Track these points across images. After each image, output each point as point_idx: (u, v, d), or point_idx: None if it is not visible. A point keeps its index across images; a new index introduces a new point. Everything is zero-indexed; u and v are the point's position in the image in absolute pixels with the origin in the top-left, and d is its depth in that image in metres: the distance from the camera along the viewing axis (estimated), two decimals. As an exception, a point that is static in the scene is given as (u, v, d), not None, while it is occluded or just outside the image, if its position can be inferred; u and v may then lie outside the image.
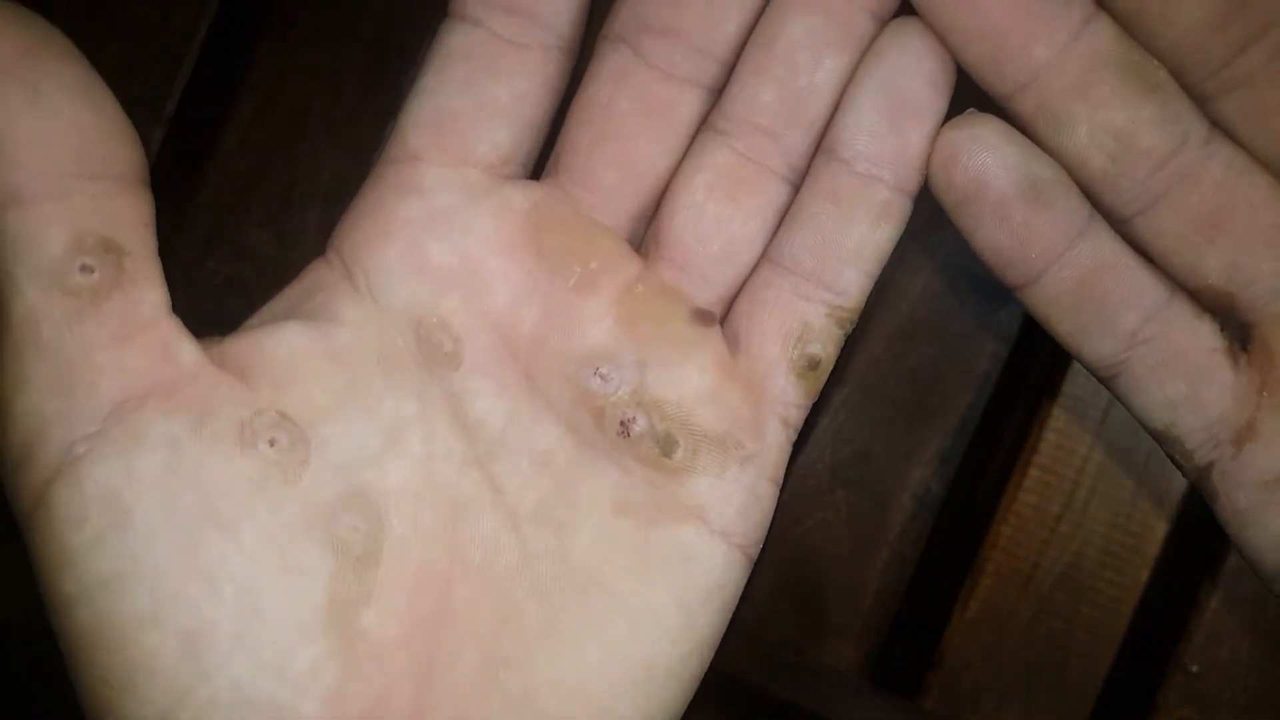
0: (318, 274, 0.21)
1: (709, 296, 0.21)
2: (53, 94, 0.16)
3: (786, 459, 0.21)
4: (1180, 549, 0.28)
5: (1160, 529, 0.28)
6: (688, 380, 0.20)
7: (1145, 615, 0.28)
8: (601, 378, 0.20)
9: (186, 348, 0.18)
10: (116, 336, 0.17)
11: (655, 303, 0.20)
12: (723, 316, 0.21)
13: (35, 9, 0.17)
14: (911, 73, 0.19)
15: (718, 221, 0.21)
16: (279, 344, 0.19)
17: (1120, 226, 0.20)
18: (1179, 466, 0.21)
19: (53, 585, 0.17)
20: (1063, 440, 0.28)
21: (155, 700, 0.17)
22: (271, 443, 0.18)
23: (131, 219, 0.18)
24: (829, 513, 0.29)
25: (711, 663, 0.29)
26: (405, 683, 0.18)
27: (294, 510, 0.18)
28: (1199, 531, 0.28)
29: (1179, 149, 0.19)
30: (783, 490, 0.30)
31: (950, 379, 0.29)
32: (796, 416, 0.21)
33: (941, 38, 0.19)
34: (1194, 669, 0.28)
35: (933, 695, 0.29)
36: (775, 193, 0.21)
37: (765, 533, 0.21)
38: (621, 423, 0.20)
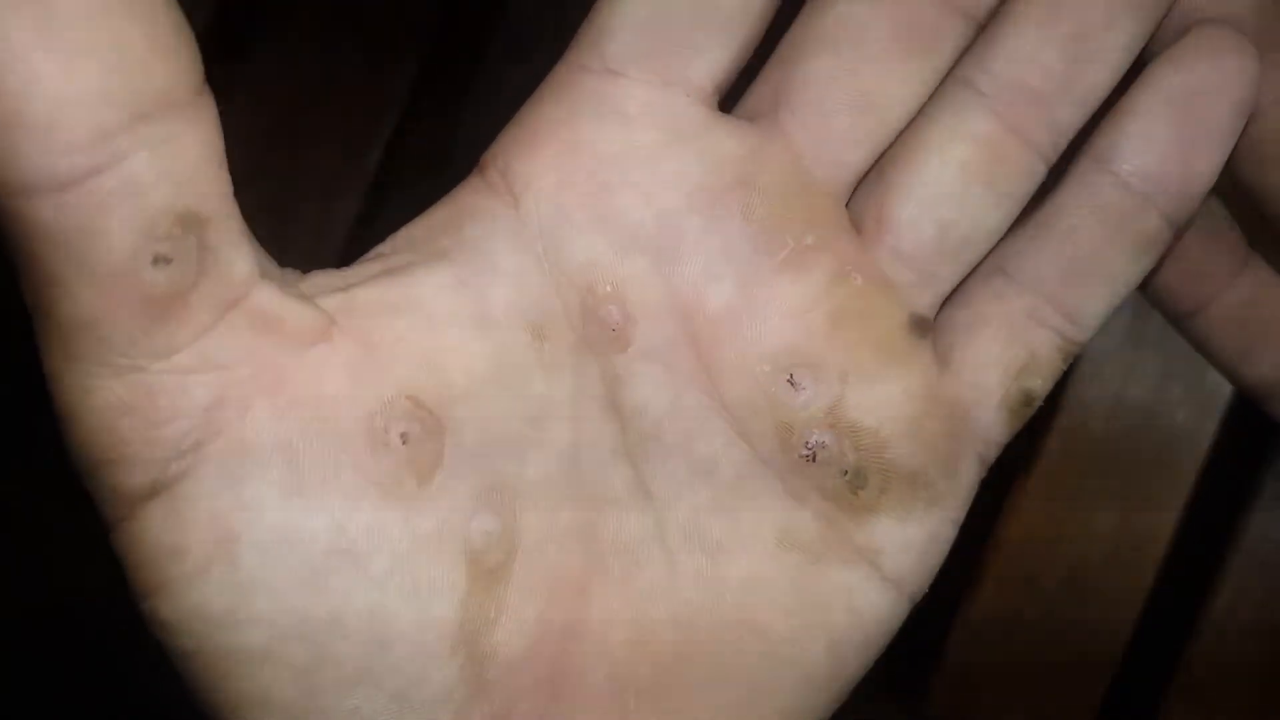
0: (473, 197, 0.16)
1: (927, 299, 0.17)
2: (72, 8, 0.11)
3: (971, 500, 0.18)
4: (1186, 551, 0.28)
5: (1166, 531, 0.28)
6: (891, 404, 0.17)
7: (1151, 617, 0.28)
8: (793, 385, 0.16)
9: (293, 311, 0.14)
10: (202, 327, 0.13)
11: (872, 299, 0.17)
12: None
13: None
14: (1218, 92, 0.16)
15: (966, 207, 0.17)
16: (420, 298, 0.15)
17: None
18: None
19: (147, 604, 0.14)
20: (1068, 443, 0.28)
21: None
22: (404, 438, 0.14)
23: (204, 165, 0.13)
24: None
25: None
26: (529, 698, 0.15)
27: (427, 519, 0.14)
28: (1204, 534, 0.28)
29: None
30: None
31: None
32: (993, 454, 0.18)
33: None
34: (1199, 671, 0.28)
35: (936, 698, 0.29)
36: (1031, 178, 0.17)
37: (934, 577, 0.17)
38: (808, 444, 0.16)
